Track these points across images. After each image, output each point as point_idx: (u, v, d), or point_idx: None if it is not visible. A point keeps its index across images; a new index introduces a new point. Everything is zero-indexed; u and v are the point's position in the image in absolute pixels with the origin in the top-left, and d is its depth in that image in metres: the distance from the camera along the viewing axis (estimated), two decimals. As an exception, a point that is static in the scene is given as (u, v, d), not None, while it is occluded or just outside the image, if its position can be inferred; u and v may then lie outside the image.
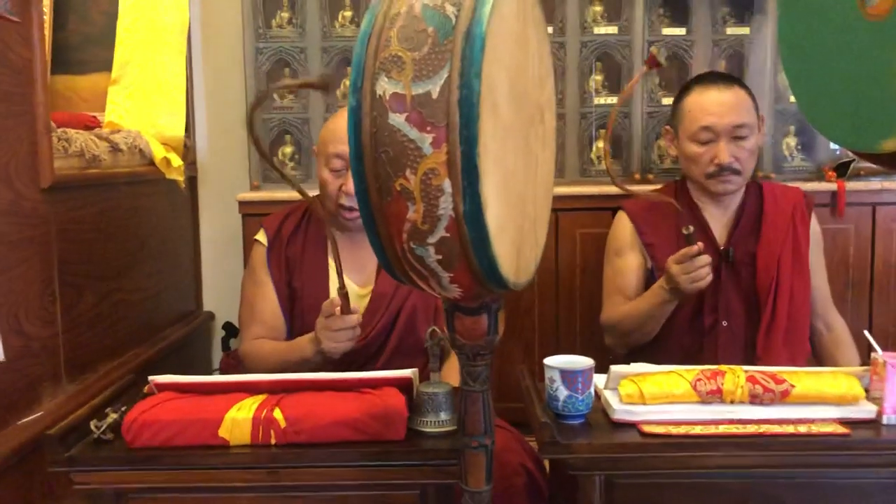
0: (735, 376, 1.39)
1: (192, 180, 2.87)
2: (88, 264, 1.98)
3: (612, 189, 2.56)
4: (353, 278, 1.86)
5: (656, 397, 1.39)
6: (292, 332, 1.87)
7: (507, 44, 0.97)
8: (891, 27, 1.40)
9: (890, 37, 1.40)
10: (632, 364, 1.50)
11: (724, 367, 1.41)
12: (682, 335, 2.03)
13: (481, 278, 0.96)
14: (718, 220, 2.05)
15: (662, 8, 2.68)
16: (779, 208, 2.04)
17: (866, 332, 1.48)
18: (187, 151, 2.64)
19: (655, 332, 2.00)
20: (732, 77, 2.08)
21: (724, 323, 2.00)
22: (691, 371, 1.41)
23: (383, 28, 0.92)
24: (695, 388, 1.39)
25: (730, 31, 2.66)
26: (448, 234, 0.91)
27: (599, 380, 1.47)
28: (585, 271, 2.59)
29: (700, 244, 1.78)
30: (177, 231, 2.74)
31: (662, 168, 2.70)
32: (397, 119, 0.88)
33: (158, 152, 2.42)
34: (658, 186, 2.29)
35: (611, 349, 2.14)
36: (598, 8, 2.69)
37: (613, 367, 1.46)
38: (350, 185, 1.72)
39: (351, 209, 1.79)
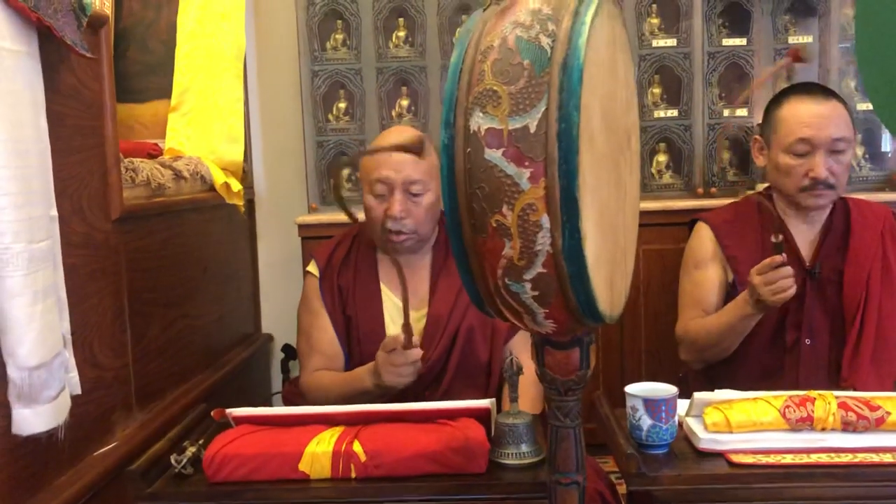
0: (826, 403, 1.34)
1: (249, 204, 2.89)
2: (155, 292, 1.99)
3: (675, 204, 2.53)
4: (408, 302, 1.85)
5: (743, 425, 1.34)
6: (351, 360, 1.86)
7: (600, 72, 0.94)
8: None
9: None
10: (716, 391, 1.45)
11: (813, 393, 1.36)
12: (763, 352, 1.97)
13: (578, 314, 0.94)
14: (804, 236, 1.99)
15: (721, 18, 2.63)
16: (867, 225, 1.98)
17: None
18: (245, 176, 2.66)
19: (734, 347, 1.94)
20: (829, 89, 2.02)
21: (808, 341, 1.94)
22: (779, 398, 1.37)
23: (475, 61, 0.90)
24: (784, 415, 1.34)
25: (792, 39, 2.60)
26: (545, 270, 0.89)
27: (682, 406, 1.43)
28: (649, 290, 2.54)
29: (784, 255, 1.74)
30: (237, 255, 2.76)
31: (726, 180, 2.65)
32: (494, 155, 0.86)
33: (219, 178, 2.43)
34: (727, 201, 2.23)
35: (686, 364, 2.09)
36: (656, 20, 2.65)
37: (697, 395, 1.42)
38: (395, 208, 1.72)
39: (399, 232, 1.77)
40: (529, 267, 0.89)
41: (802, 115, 1.89)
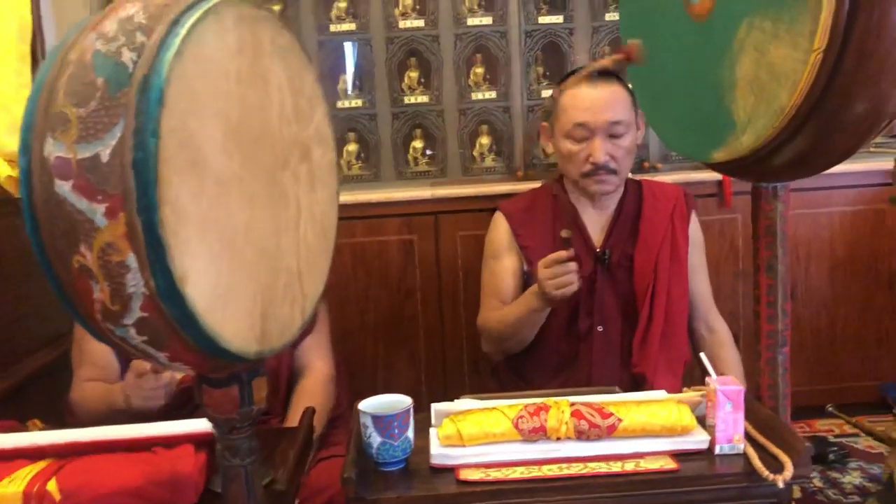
0: (559, 411, 1.30)
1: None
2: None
3: (495, 188, 2.48)
4: None
5: (476, 438, 1.29)
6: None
7: (219, 86, 0.84)
8: (712, 28, 1.31)
9: (713, 38, 1.31)
10: (455, 401, 1.40)
11: (549, 402, 1.32)
12: (559, 341, 1.95)
13: (207, 355, 0.85)
14: (595, 221, 1.96)
15: (543, -6, 2.57)
16: (658, 207, 1.96)
17: (702, 355, 1.40)
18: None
19: (530, 339, 1.91)
20: (612, 72, 1.98)
21: (600, 328, 1.92)
22: (514, 407, 1.32)
23: (56, 77, 0.79)
24: (517, 426, 1.29)
25: (609, 17, 2.55)
26: (146, 314, 0.80)
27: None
28: (469, 275, 2.49)
29: (571, 250, 1.69)
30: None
31: (547, 163, 2.60)
32: (63, 187, 0.76)
33: (3, 170, 2.24)
34: (537, 185, 2.18)
35: (488, 356, 2.06)
36: (476, -4, 2.57)
37: (435, 406, 1.37)
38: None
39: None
40: (126, 311, 0.79)
41: (580, 100, 1.84)
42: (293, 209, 0.99)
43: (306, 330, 1.87)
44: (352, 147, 2.60)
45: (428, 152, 2.61)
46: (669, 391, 1.75)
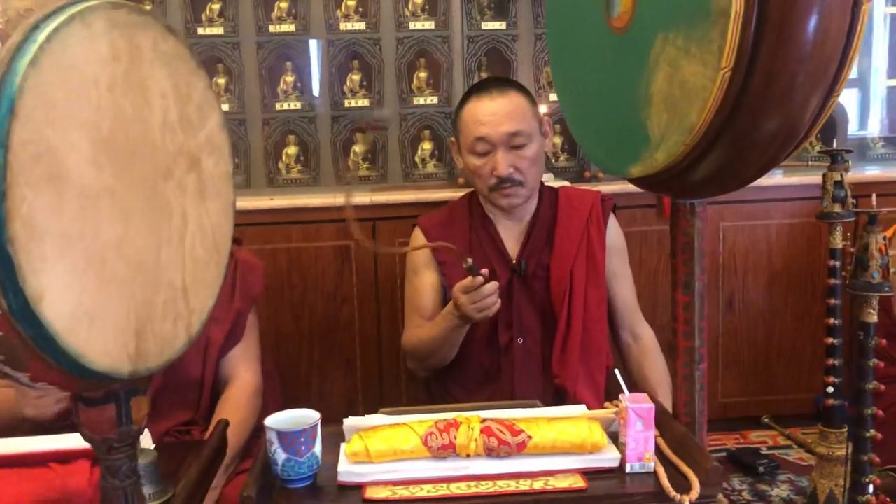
0: (469, 428, 1.27)
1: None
2: None
3: (434, 195, 2.45)
4: None
5: (384, 455, 1.26)
6: None
7: (87, 96, 0.81)
8: (630, 42, 1.30)
9: (631, 52, 1.30)
10: (367, 416, 1.37)
11: (460, 418, 1.30)
12: (482, 355, 1.93)
13: (71, 375, 0.81)
14: (511, 232, 1.94)
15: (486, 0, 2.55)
16: (573, 215, 1.94)
17: (616, 372, 1.39)
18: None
19: (451, 356, 1.89)
20: (509, 81, 1.95)
21: (520, 340, 1.91)
22: (424, 423, 1.29)
23: None
24: (425, 443, 1.27)
25: (553, 24, 2.54)
26: (2, 333, 0.76)
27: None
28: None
29: (485, 273, 1.67)
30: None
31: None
32: None
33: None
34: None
35: (413, 372, 2.03)
36: (420, 0, 2.54)
37: (347, 421, 1.33)
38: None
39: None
40: (-21, 330, 0.75)
41: (478, 113, 1.82)
42: (177, 221, 0.96)
43: (233, 340, 1.84)
44: (292, 150, 2.56)
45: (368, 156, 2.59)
46: (591, 401, 1.75)
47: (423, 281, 1.95)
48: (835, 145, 2.70)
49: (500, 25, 2.51)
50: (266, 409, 2.01)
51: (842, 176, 1.82)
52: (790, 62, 1.08)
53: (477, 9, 2.52)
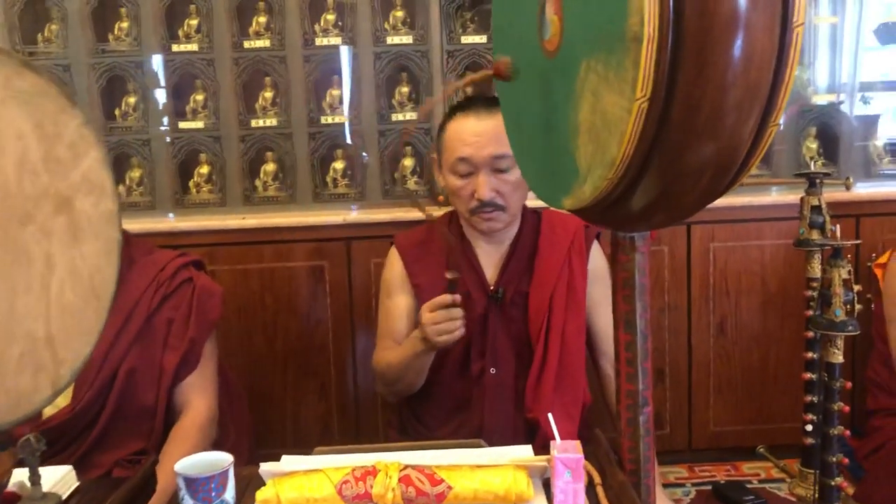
0: (387, 477, 1.21)
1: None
2: None
3: (412, 215, 2.39)
4: None
5: (295, 503, 1.20)
6: None
7: None
8: (561, 65, 1.22)
9: (560, 78, 1.22)
10: (283, 458, 1.31)
11: (379, 465, 1.23)
12: (453, 383, 1.86)
13: None
14: (490, 257, 1.87)
15: (469, 13, 2.47)
16: (555, 241, 1.86)
17: (549, 416, 1.30)
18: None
19: (419, 383, 1.83)
20: (497, 101, 1.87)
21: (493, 370, 1.83)
22: (341, 470, 1.23)
23: None
24: (340, 492, 1.20)
25: (536, 38, 2.46)
26: None
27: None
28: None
29: (457, 296, 1.60)
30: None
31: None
32: None
33: None
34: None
35: (383, 397, 1.97)
36: (400, 13, 2.48)
37: (263, 466, 1.27)
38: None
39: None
40: None
41: (463, 133, 1.75)
42: (40, 267, 0.91)
43: (188, 367, 1.80)
44: (270, 167, 2.51)
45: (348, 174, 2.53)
46: (564, 436, 1.66)
47: (397, 304, 1.89)
48: (839, 160, 2.58)
49: (480, 39, 2.44)
50: (228, 436, 1.97)
51: (819, 201, 1.72)
52: (712, 90, 0.99)
53: (455, 22, 2.45)
